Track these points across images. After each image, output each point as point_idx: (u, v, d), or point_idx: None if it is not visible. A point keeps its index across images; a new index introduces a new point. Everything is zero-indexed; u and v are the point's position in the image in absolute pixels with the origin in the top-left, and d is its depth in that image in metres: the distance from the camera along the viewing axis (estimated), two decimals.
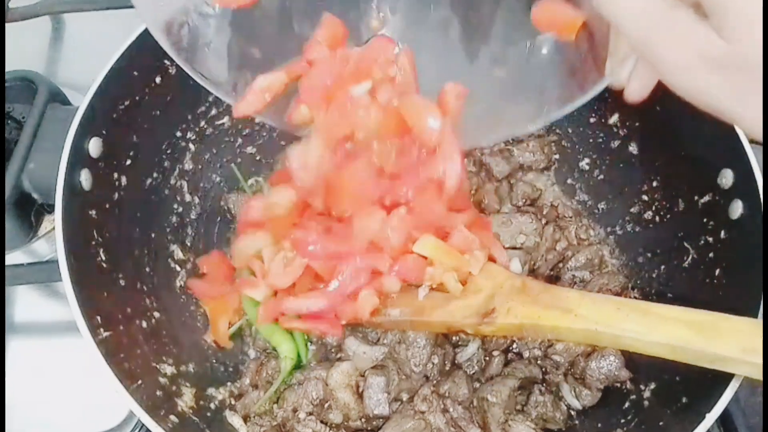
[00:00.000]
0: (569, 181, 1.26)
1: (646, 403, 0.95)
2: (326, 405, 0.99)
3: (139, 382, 0.85)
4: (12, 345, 1.12)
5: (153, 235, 1.07)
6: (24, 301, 1.16)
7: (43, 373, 1.09)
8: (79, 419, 1.04)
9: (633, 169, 1.16)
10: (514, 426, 0.95)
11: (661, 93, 1.05)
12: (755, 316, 0.83)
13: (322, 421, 0.97)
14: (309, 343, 1.08)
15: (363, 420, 1.00)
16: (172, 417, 0.86)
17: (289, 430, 0.97)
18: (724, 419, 1.02)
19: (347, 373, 1.00)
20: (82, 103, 0.92)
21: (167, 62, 1.07)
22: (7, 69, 1.08)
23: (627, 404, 0.97)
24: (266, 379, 1.02)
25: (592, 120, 1.22)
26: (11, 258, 1.15)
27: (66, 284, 0.82)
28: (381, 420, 0.99)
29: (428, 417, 0.96)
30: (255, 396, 1.01)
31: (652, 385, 0.96)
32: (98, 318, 0.84)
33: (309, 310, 1.02)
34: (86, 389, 1.06)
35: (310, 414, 0.98)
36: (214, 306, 1.09)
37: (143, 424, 0.79)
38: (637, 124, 1.15)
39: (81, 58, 1.41)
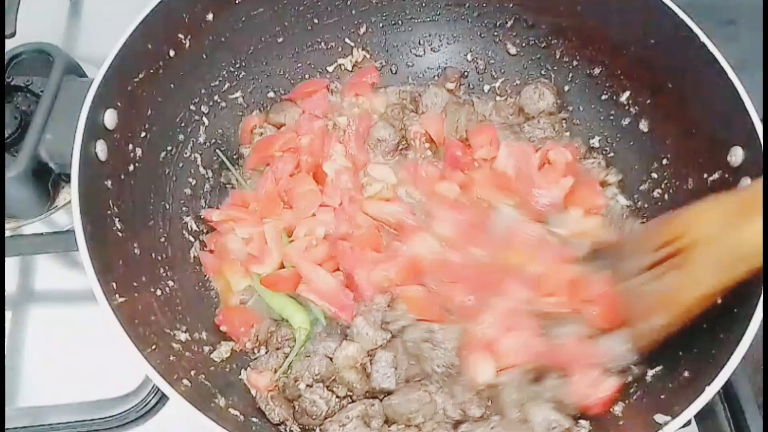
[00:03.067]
0: None
1: (648, 378, 0.96)
2: (329, 379, 1.00)
3: (154, 347, 0.87)
4: (32, 312, 1.15)
5: (167, 207, 1.09)
6: (44, 270, 1.19)
7: (62, 340, 1.12)
8: (97, 384, 1.07)
9: (643, 146, 1.16)
10: (533, 410, 0.94)
11: (673, 69, 1.07)
12: (759, 295, 0.83)
13: (327, 388, 0.99)
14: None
15: (367, 394, 1.01)
16: (185, 381, 0.88)
17: (295, 396, 0.99)
18: (729, 396, 1.03)
19: (353, 357, 1.00)
20: (97, 75, 0.94)
21: (181, 36, 1.08)
22: (24, 41, 1.10)
23: (630, 378, 0.97)
24: (276, 345, 1.05)
25: (603, 97, 1.22)
26: (31, 228, 1.18)
27: (82, 252, 0.84)
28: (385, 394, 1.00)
29: (435, 397, 0.97)
30: (265, 360, 1.03)
31: (656, 362, 0.96)
32: (114, 285, 0.86)
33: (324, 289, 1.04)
34: (104, 355, 1.08)
35: (309, 386, 0.99)
36: (225, 282, 1.11)
37: (159, 388, 0.82)
38: (648, 101, 1.14)
39: (97, 31, 1.42)
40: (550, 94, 1.25)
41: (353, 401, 0.99)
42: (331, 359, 1.01)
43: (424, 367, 1.00)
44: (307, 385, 0.99)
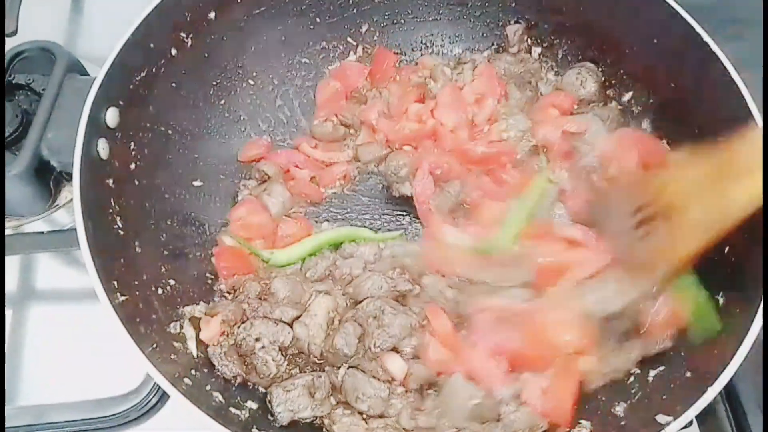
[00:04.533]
0: None
1: (650, 379, 0.96)
2: (287, 350, 1.01)
3: (155, 345, 0.88)
4: (33, 311, 1.15)
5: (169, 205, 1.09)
6: (45, 268, 1.19)
7: (63, 338, 1.12)
8: (98, 383, 1.07)
9: None
10: None
11: (676, 69, 1.06)
12: (760, 296, 0.83)
13: (282, 354, 1.00)
14: None
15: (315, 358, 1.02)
16: (186, 379, 0.89)
17: (248, 352, 0.98)
18: (730, 397, 1.03)
19: (327, 308, 1.03)
20: (99, 73, 0.94)
21: (183, 35, 1.08)
22: (27, 40, 1.10)
23: (631, 379, 0.97)
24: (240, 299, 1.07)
25: None
26: (33, 226, 1.18)
27: (83, 250, 0.84)
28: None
29: (394, 400, 0.97)
30: (224, 305, 1.04)
31: (657, 362, 0.96)
32: (115, 283, 0.86)
33: None
34: (105, 354, 1.08)
35: (264, 347, 0.99)
36: None
37: (159, 387, 0.82)
38: (650, 101, 1.14)
39: (99, 30, 1.42)
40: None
41: (300, 368, 1.01)
42: (291, 326, 1.01)
43: (364, 341, 1.00)
44: (263, 346, 0.99)
